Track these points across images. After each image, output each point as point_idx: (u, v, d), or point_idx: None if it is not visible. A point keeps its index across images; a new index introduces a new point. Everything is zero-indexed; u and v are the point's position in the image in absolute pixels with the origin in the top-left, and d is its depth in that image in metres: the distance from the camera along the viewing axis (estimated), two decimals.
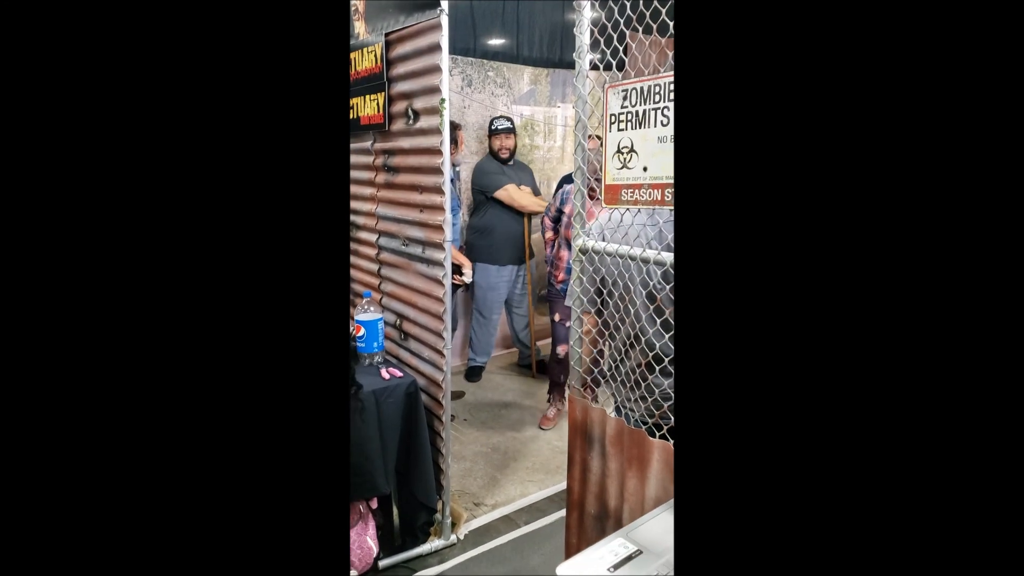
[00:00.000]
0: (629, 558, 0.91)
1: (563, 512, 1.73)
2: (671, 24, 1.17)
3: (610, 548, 0.93)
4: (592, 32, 1.38)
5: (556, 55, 4.06)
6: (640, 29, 1.30)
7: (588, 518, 1.65)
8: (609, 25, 1.30)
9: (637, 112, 1.22)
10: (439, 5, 1.80)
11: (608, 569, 0.89)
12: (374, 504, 1.99)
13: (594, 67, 1.42)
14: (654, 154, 1.20)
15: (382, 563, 2.04)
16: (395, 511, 2.16)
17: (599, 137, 1.34)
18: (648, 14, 1.21)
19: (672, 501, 1.08)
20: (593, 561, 0.91)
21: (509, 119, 3.41)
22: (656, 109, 1.18)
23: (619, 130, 1.28)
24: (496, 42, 3.83)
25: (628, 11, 1.25)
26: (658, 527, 0.99)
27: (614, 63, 1.31)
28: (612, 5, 1.27)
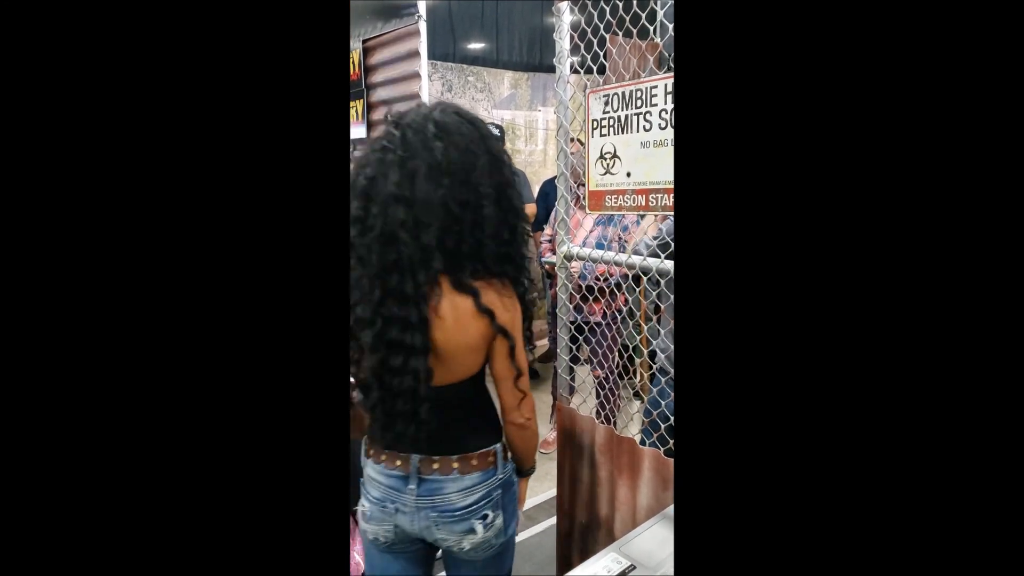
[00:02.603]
0: (623, 574, 0.89)
1: (554, 520, 1.71)
2: (651, 28, 1.16)
3: (603, 564, 0.91)
4: (572, 36, 1.36)
5: (536, 58, 4.05)
6: (620, 33, 1.29)
7: (579, 527, 1.63)
8: (589, 29, 1.28)
9: (619, 117, 1.21)
10: (416, 11, 1.77)
11: None
12: None
13: (575, 71, 1.40)
14: (637, 159, 1.19)
15: None
16: None
17: (581, 141, 1.32)
18: (628, 18, 1.19)
19: (663, 512, 1.06)
20: None
21: (499, 127, 3.33)
22: (638, 114, 1.17)
23: (601, 135, 1.26)
24: (476, 46, 3.81)
25: (608, 15, 1.23)
26: (651, 540, 0.97)
27: (595, 68, 1.30)
28: (591, 9, 1.26)
